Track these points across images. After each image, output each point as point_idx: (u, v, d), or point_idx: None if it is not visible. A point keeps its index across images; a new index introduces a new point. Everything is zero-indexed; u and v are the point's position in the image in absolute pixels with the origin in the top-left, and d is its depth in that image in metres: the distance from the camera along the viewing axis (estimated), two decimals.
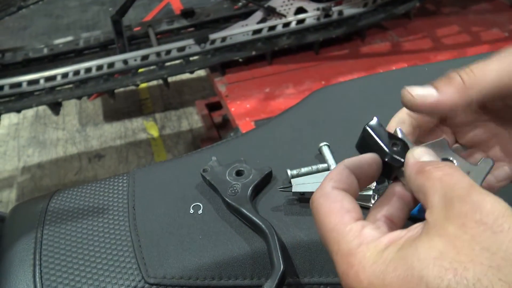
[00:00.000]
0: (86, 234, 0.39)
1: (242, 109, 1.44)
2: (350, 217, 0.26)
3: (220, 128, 1.83)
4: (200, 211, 0.40)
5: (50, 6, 2.88)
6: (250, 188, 0.40)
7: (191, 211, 0.40)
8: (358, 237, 0.25)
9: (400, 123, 0.32)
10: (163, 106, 2.11)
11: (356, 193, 0.28)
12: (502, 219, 0.21)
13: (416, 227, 0.25)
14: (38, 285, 0.35)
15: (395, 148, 0.29)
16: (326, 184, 0.28)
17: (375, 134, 0.29)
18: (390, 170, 0.29)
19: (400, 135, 0.30)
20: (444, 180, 0.24)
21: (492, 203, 0.22)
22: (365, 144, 0.30)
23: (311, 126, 0.48)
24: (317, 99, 0.52)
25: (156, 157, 1.86)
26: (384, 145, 0.29)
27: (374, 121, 0.30)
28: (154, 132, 1.99)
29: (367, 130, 0.30)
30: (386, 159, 0.29)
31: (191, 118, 2.03)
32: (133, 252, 0.37)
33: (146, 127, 2.02)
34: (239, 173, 0.42)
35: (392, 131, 0.30)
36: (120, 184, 0.43)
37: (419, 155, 0.28)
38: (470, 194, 0.23)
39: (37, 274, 0.36)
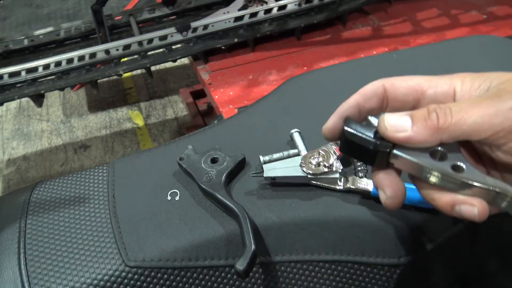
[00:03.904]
0: (68, 223, 0.40)
1: (226, 96, 1.45)
2: None
3: (205, 115, 1.84)
4: (177, 198, 0.42)
5: None
6: (224, 174, 0.42)
7: (169, 197, 0.42)
8: None
9: (350, 108, 0.33)
10: (148, 95, 2.11)
11: None
12: None
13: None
14: (24, 271, 0.37)
15: (378, 136, 0.30)
16: None
17: (356, 131, 0.30)
18: (383, 157, 0.30)
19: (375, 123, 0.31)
20: None
21: None
22: (350, 144, 0.31)
23: (283, 114, 0.50)
24: (290, 87, 0.54)
25: (142, 146, 1.87)
26: (368, 136, 0.30)
27: (348, 121, 0.31)
28: (139, 121, 1.99)
29: (347, 130, 0.30)
30: (372, 148, 0.30)
31: (176, 107, 2.03)
32: (113, 238, 0.39)
33: (131, 117, 2.02)
34: (214, 161, 0.44)
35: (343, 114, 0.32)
36: (101, 174, 0.45)
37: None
38: None
39: (22, 262, 0.37)
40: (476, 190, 0.28)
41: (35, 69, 1.39)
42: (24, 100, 2.14)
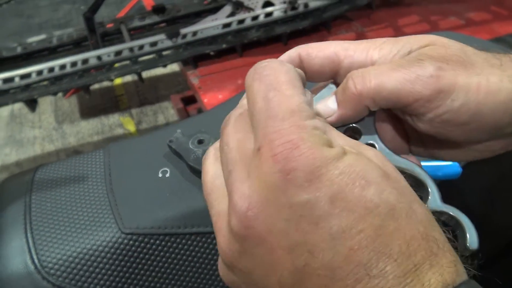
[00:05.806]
0: (69, 197, 0.45)
1: (215, 100, 1.50)
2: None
3: None
4: (167, 175, 0.47)
5: (21, 6, 2.87)
6: None
7: (160, 175, 0.47)
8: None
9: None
10: (139, 101, 2.16)
11: None
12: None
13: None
14: (30, 239, 0.41)
15: None
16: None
17: None
18: None
19: None
20: None
21: None
22: None
23: None
24: None
25: None
26: None
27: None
28: (131, 127, 2.03)
29: None
30: None
31: (167, 112, 2.08)
32: (110, 210, 0.43)
33: (123, 123, 2.06)
34: (200, 142, 0.48)
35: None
36: (97, 157, 0.50)
37: None
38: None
39: (28, 231, 0.42)
40: None
41: (28, 75, 1.43)
42: (16, 108, 2.17)
